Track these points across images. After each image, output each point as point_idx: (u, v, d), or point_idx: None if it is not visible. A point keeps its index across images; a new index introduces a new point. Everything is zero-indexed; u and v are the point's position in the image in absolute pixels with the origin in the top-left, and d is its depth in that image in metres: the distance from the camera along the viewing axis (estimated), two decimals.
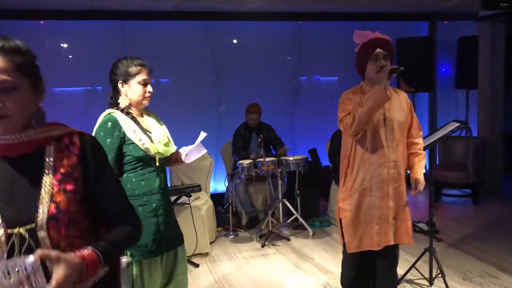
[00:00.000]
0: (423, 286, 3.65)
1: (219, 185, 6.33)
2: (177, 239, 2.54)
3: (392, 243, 2.60)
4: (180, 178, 5.12)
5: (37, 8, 5.66)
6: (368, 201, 2.57)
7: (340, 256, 4.37)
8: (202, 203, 4.71)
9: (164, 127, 2.58)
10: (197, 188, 4.33)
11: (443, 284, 3.45)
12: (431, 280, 3.63)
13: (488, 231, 5.03)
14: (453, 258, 4.25)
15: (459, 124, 3.44)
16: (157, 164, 2.42)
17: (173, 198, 4.27)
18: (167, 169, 5.18)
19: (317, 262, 4.30)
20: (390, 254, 2.66)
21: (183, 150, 2.63)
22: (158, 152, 2.39)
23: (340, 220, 2.65)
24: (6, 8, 5.55)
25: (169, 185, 4.51)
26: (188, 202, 4.39)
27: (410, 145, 2.73)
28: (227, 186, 5.51)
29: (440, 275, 3.50)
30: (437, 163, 6.48)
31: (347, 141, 2.64)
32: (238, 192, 5.37)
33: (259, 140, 4.95)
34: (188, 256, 4.38)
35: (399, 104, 2.63)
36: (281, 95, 6.96)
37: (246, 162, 5.08)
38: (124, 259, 2.24)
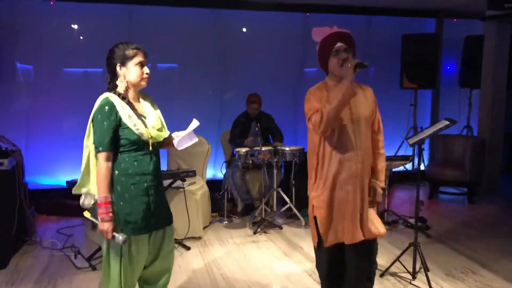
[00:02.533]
0: (406, 279, 3.71)
1: (218, 171, 6.42)
2: (167, 219, 2.66)
3: (363, 238, 2.57)
4: (177, 163, 5.22)
5: None
6: (339, 196, 2.57)
7: None
8: (197, 188, 4.80)
9: (158, 111, 2.67)
10: (192, 173, 4.41)
11: (426, 278, 3.52)
12: (414, 274, 3.70)
13: (480, 229, 5.07)
14: (440, 254, 4.31)
15: (448, 122, 3.49)
16: (150, 148, 2.52)
17: (167, 182, 4.39)
18: (165, 153, 5.32)
19: (306, 251, 4.38)
20: (361, 249, 2.63)
21: (175, 135, 2.73)
22: (152, 137, 2.50)
23: (315, 217, 2.63)
24: None
25: (165, 169, 4.64)
26: (182, 186, 4.48)
27: (373, 141, 2.72)
28: (224, 173, 5.60)
29: (422, 269, 3.58)
30: (436, 160, 6.51)
31: (314, 138, 2.62)
32: (235, 179, 5.46)
33: (257, 129, 5.02)
34: (180, 239, 4.50)
35: (365, 99, 2.62)
36: (286, 85, 7.01)
37: (243, 150, 5.15)
38: (121, 237, 2.35)
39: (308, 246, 4.53)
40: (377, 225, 2.65)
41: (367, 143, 2.62)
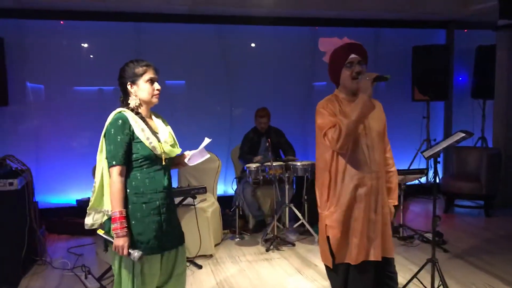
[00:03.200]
0: None
1: (229, 187, 6.36)
2: (179, 238, 2.60)
3: (375, 258, 2.47)
4: (188, 180, 5.17)
5: (55, 8, 5.82)
6: (353, 214, 2.46)
7: None
8: (208, 205, 4.74)
9: (170, 128, 2.64)
10: (203, 190, 4.36)
11: None
12: None
13: (498, 243, 4.94)
14: (458, 269, 4.19)
15: (464, 134, 3.40)
16: (163, 163, 2.47)
17: (178, 199, 4.34)
18: (175, 170, 5.28)
19: (320, 269, 4.28)
20: (381, 267, 2.53)
21: (187, 154, 2.68)
22: (164, 152, 2.46)
23: (328, 237, 2.50)
24: (25, 7, 5.73)
25: (176, 186, 4.60)
26: (193, 203, 4.43)
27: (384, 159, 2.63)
28: (235, 189, 5.53)
29: (441, 286, 3.46)
30: (451, 173, 6.39)
31: (325, 153, 2.49)
32: (246, 195, 5.39)
33: (267, 144, 4.97)
34: (191, 257, 4.43)
35: (377, 113, 2.53)
36: (295, 100, 6.97)
37: (253, 165, 5.09)
38: (136, 253, 2.28)
39: (322, 263, 4.42)
40: (391, 248, 2.58)
41: (381, 158, 2.54)
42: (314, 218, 5.35)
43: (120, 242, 2.29)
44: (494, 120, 6.57)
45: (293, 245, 4.95)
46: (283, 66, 6.79)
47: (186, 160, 2.66)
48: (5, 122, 5.87)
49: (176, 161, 2.66)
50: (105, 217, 2.42)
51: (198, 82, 6.60)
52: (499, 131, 6.48)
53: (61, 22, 5.99)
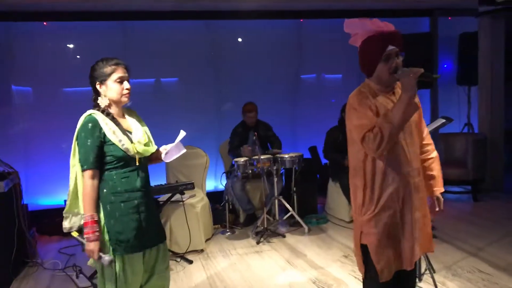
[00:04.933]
0: None
1: (219, 183, 6.38)
2: (160, 236, 2.60)
3: (419, 257, 2.34)
4: (176, 176, 5.19)
5: (41, 10, 5.78)
6: (396, 218, 2.22)
7: (332, 252, 4.44)
8: (197, 201, 4.76)
9: (145, 127, 2.62)
10: (190, 186, 4.38)
11: (432, 280, 3.45)
12: (419, 276, 3.62)
13: (485, 227, 5.00)
14: (446, 254, 4.24)
15: (445, 120, 3.44)
16: (137, 164, 2.48)
17: (166, 196, 4.35)
18: (163, 167, 5.29)
19: (309, 258, 4.33)
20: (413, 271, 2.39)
21: (163, 149, 2.68)
22: (138, 152, 2.45)
23: (364, 246, 2.25)
24: (11, 10, 5.69)
25: (164, 183, 4.61)
26: (182, 200, 4.45)
27: (421, 147, 2.39)
28: (225, 184, 5.56)
29: (428, 271, 3.51)
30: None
31: (358, 153, 2.24)
32: (235, 189, 5.42)
33: (254, 137, 4.99)
34: (182, 253, 4.45)
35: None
36: (283, 93, 6.99)
37: (241, 159, 5.12)
38: (107, 258, 2.30)
39: (312, 253, 4.47)
40: (430, 243, 2.40)
41: (418, 152, 2.33)
42: (303, 210, 5.45)
43: (91, 246, 2.30)
44: (479, 106, 6.64)
45: (284, 236, 4.99)
46: (270, 60, 6.79)
47: (162, 156, 2.67)
48: None
49: (153, 157, 2.65)
50: (83, 220, 2.39)
51: (186, 78, 6.60)
52: (484, 116, 6.55)
53: (44, 23, 5.96)
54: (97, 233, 2.31)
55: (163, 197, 4.50)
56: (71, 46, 6.20)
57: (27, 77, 5.99)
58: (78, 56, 6.22)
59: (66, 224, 2.47)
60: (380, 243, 2.21)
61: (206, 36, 6.58)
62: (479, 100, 6.61)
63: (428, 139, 2.42)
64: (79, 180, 2.39)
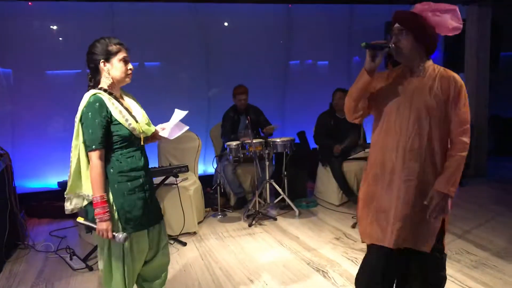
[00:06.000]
0: None
1: (209, 167, 6.40)
2: (160, 213, 2.68)
3: (398, 246, 2.30)
4: (168, 159, 5.19)
5: None
6: (376, 189, 2.35)
7: (324, 235, 4.52)
8: (190, 184, 4.78)
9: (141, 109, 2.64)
10: (184, 168, 4.38)
11: None
12: None
13: (471, 210, 5.14)
14: None
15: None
16: (142, 143, 2.51)
17: (160, 179, 4.36)
18: (155, 150, 5.28)
19: (302, 241, 4.40)
20: (417, 261, 2.40)
21: (160, 127, 2.75)
22: (143, 131, 2.47)
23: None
24: None
25: (157, 166, 4.61)
26: (175, 182, 4.46)
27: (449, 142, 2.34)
28: (216, 167, 5.58)
29: None
30: None
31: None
32: (227, 173, 5.45)
33: (247, 122, 5.01)
34: (175, 235, 4.48)
35: (428, 87, 2.29)
36: (271, 78, 7.01)
37: (233, 143, 5.14)
38: (121, 235, 2.31)
39: (304, 235, 4.54)
40: (425, 241, 2.39)
41: (429, 142, 2.36)
42: (294, 193, 5.51)
43: (104, 226, 2.30)
44: None
45: (275, 219, 5.05)
46: (259, 45, 6.80)
47: (164, 135, 2.71)
48: None
49: (150, 136, 2.67)
50: (85, 202, 2.40)
51: (174, 62, 6.56)
52: (470, 103, 6.65)
53: (30, 3, 5.84)
54: (108, 213, 2.32)
55: (155, 180, 4.49)
56: (55, 27, 6.08)
57: (8, 58, 5.85)
58: (60, 39, 6.10)
59: (68, 206, 2.44)
60: (362, 208, 2.43)
61: (194, 19, 6.52)
62: (465, 87, 6.71)
63: (459, 138, 2.30)
64: (83, 161, 2.36)
